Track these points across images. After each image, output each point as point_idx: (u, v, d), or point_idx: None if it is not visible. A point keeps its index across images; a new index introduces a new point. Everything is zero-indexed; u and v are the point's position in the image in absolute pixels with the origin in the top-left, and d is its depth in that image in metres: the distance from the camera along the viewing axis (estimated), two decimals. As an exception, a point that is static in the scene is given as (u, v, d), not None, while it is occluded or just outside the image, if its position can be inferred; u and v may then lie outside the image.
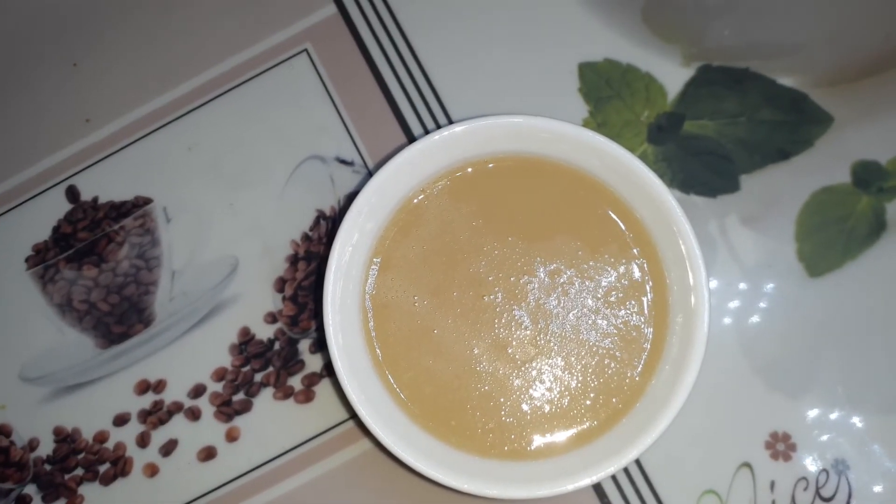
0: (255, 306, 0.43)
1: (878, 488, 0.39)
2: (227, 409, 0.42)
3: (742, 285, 0.42)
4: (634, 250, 0.38)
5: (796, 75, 0.43)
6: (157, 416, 0.42)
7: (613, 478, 0.40)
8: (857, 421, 0.40)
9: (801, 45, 0.44)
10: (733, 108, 0.43)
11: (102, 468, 0.42)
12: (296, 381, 0.42)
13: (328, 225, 0.43)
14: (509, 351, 0.38)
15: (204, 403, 0.42)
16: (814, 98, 0.43)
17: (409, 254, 0.39)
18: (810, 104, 0.43)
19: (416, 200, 0.40)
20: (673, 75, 0.44)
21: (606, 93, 0.44)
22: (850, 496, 0.39)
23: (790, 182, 0.42)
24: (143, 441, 0.42)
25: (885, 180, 0.42)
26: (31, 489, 0.42)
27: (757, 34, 0.44)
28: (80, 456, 0.42)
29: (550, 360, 0.38)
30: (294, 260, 0.43)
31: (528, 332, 0.38)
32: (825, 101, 0.43)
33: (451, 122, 0.44)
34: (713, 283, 0.41)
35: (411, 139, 0.44)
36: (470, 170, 0.40)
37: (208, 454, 0.42)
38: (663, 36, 0.44)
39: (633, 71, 0.44)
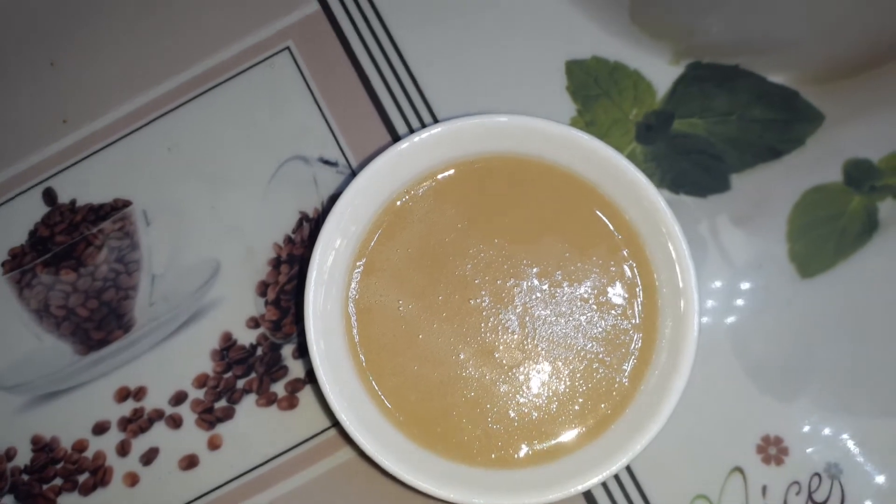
0: (237, 311, 0.42)
1: (870, 492, 0.39)
2: (209, 417, 0.41)
3: (733, 286, 0.41)
4: (623, 252, 0.38)
5: (787, 72, 0.43)
6: (137, 423, 0.41)
7: (603, 484, 0.39)
8: (849, 424, 0.39)
9: (791, 41, 0.43)
10: (723, 107, 0.43)
11: (82, 478, 0.41)
12: (279, 388, 0.41)
13: (311, 227, 0.43)
14: (496, 356, 0.37)
15: (185, 411, 0.41)
16: (805, 95, 0.42)
17: (394, 257, 0.38)
18: (801, 102, 0.42)
19: (400, 202, 0.39)
20: (662, 73, 0.43)
21: (594, 91, 0.43)
22: (843, 500, 0.38)
23: (781, 181, 0.42)
24: (123, 450, 0.41)
25: (878, 179, 0.41)
26: (8, 500, 0.41)
27: (747, 30, 0.44)
28: (59, 465, 0.41)
29: (538, 365, 0.37)
30: (277, 263, 0.42)
31: (516, 337, 0.37)
32: (816, 99, 0.42)
33: (436, 121, 0.43)
34: (704, 285, 0.41)
35: (396, 139, 0.43)
36: (455, 171, 0.39)
37: (190, 462, 0.41)
38: (652, 33, 0.43)
39: (622, 68, 0.43)
